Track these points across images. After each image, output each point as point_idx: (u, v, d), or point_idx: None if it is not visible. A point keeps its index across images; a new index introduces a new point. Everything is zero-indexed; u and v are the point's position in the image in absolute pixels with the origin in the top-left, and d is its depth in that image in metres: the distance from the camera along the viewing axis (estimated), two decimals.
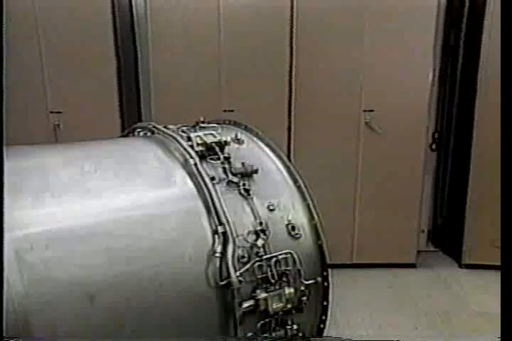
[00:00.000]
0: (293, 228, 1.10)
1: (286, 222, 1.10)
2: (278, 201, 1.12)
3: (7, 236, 0.83)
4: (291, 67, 3.02)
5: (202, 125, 1.25)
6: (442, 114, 3.68)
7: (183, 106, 3.02)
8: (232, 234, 1.01)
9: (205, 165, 1.10)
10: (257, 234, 1.05)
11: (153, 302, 0.96)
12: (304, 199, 1.15)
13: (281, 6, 3.01)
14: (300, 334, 1.12)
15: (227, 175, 1.10)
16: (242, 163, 1.14)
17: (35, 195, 0.96)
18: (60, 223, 0.94)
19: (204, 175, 1.06)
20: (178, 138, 1.15)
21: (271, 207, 1.10)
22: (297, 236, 1.10)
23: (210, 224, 1.03)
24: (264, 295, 1.03)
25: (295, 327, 1.11)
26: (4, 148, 0.89)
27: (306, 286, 1.09)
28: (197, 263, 1.00)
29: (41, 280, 0.87)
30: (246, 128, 1.31)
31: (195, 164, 1.08)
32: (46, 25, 3.11)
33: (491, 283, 3.06)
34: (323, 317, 1.18)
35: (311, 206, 1.14)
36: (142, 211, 1.03)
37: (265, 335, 1.07)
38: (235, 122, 1.35)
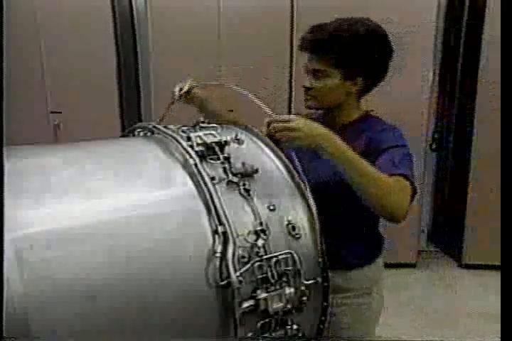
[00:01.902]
0: (293, 228, 1.10)
1: (286, 222, 1.10)
2: (278, 201, 1.11)
3: (7, 236, 0.83)
4: (291, 66, 3.03)
5: (202, 125, 1.25)
6: (442, 114, 3.68)
7: (183, 107, 3.02)
8: (232, 234, 1.01)
9: (205, 165, 1.10)
10: (257, 234, 1.05)
11: (153, 302, 0.96)
12: (304, 199, 1.15)
13: (281, 5, 3.01)
14: (300, 334, 1.12)
15: (227, 175, 1.10)
16: (242, 163, 1.13)
17: (35, 195, 0.96)
18: (60, 223, 0.94)
19: (204, 175, 1.06)
20: (178, 138, 1.15)
21: (271, 207, 1.10)
22: (297, 236, 1.10)
23: (210, 224, 1.03)
24: (264, 295, 1.03)
25: (295, 327, 1.10)
26: (4, 148, 0.89)
27: (306, 286, 1.09)
28: (197, 263, 1.00)
29: (41, 280, 0.87)
30: (246, 128, 1.31)
31: (195, 164, 1.08)
32: (46, 25, 3.11)
33: (491, 283, 3.07)
34: (323, 317, 1.17)
35: (311, 206, 1.14)
36: (142, 211, 1.03)
37: (265, 335, 1.07)
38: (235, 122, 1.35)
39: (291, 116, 1.16)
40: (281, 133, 1.13)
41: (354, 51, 1.32)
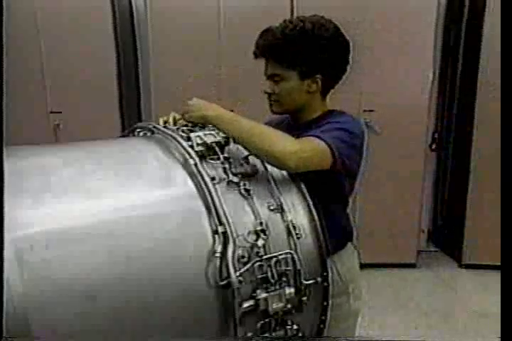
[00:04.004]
0: (293, 228, 1.10)
1: (286, 222, 1.10)
2: (278, 201, 1.12)
3: (7, 236, 0.83)
4: None
5: (202, 125, 1.25)
6: (442, 114, 3.68)
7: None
8: (232, 234, 1.01)
9: (205, 165, 1.10)
10: (257, 234, 1.05)
11: (153, 302, 0.96)
12: (304, 199, 1.15)
13: (281, 6, 3.01)
14: (300, 334, 1.12)
15: (227, 175, 1.10)
16: (242, 163, 1.14)
17: (35, 194, 0.96)
18: (60, 223, 0.94)
19: (204, 175, 1.06)
20: (178, 138, 1.15)
21: (271, 207, 1.10)
22: (297, 236, 1.10)
23: (210, 224, 1.03)
24: (264, 295, 1.03)
25: (295, 327, 1.11)
26: (4, 148, 0.89)
27: (306, 286, 1.09)
28: (197, 263, 1.00)
29: (41, 280, 0.87)
30: None
31: (195, 164, 1.08)
32: (46, 25, 3.11)
33: (491, 283, 3.07)
34: (323, 317, 1.18)
35: (311, 206, 1.14)
36: (142, 211, 1.03)
37: (265, 335, 1.07)
38: None
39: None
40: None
41: (304, 49, 1.30)
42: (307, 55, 1.31)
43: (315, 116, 1.42)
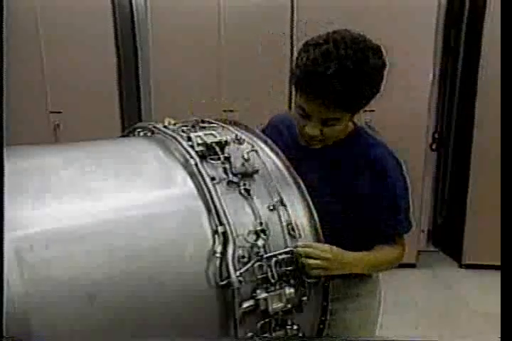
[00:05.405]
0: (293, 228, 1.10)
1: (286, 222, 1.10)
2: (278, 201, 1.11)
3: (7, 236, 0.83)
4: (291, 66, 3.02)
5: (202, 125, 1.25)
6: (442, 114, 3.68)
7: (183, 106, 3.02)
8: (232, 234, 1.01)
9: (205, 165, 1.10)
10: (257, 234, 1.05)
11: (153, 302, 0.96)
12: (304, 199, 1.15)
13: (281, 5, 3.01)
14: (300, 334, 1.12)
15: (227, 175, 1.10)
16: (242, 163, 1.14)
17: (35, 195, 0.96)
18: (60, 223, 0.94)
19: (204, 175, 1.06)
20: (179, 138, 1.15)
21: (271, 207, 1.10)
22: (297, 236, 1.10)
23: (210, 224, 1.03)
24: (264, 295, 1.03)
25: (295, 327, 1.11)
26: (4, 148, 0.89)
27: (306, 286, 1.09)
28: (197, 263, 1.00)
29: (41, 280, 0.87)
30: (246, 128, 1.31)
31: (196, 164, 1.08)
32: (46, 25, 3.11)
33: (491, 283, 3.06)
34: (323, 317, 1.18)
35: (311, 206, 1.14)
36: (142, 211, 1.03)
37: (265, 335, 1.07)
38: (235, 122, 1.35)
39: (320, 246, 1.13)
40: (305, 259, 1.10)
41: (369, 93, 1.21)
42: (369, 97, 1.22)
43: (342, 137, 1.33)
